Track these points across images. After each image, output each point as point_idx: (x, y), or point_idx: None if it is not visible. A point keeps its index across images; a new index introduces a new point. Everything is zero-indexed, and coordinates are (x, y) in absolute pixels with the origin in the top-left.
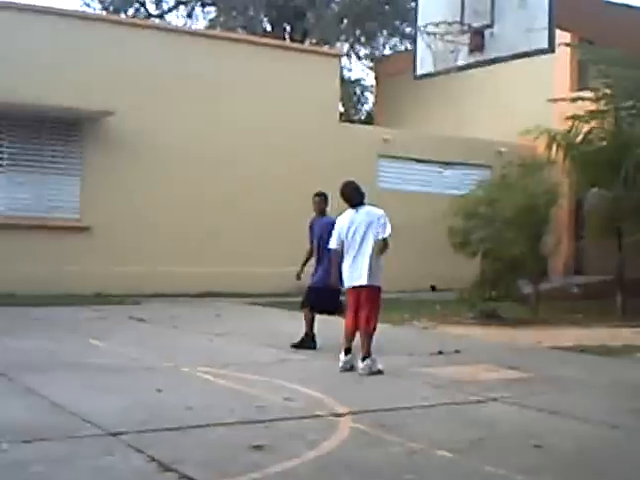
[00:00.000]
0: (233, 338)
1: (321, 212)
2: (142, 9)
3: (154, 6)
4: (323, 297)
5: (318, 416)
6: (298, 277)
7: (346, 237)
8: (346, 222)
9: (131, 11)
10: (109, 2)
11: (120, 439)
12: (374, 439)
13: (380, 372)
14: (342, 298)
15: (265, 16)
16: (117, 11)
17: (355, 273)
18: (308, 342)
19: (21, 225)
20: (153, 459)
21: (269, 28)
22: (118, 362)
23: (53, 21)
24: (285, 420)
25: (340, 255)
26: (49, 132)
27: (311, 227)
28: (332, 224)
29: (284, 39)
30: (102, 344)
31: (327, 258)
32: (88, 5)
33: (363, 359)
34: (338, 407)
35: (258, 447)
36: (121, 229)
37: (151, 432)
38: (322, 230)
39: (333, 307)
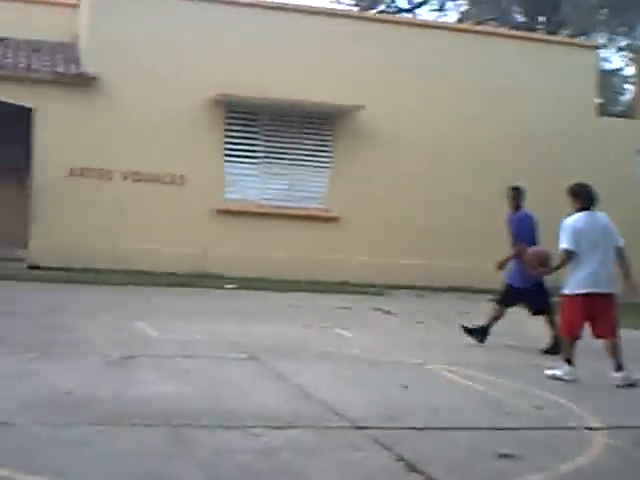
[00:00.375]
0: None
1: (517, 207)
2: (393, 4)
3: (405, 1)
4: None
5: (570, 428)
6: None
7: (585, 240)
8: (584, 225)
9: (382, 7)
10: None
11: (366, 433)
12: (632, 459)
13: (636, 384)
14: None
15: (518, 8)
16: (369, 7)
17: (596, 278)
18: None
19: (273, 214)
20: (400, 457)
21: (522, 20)
22: (366, 354)
23: (304, 20)
24: (535, 430)
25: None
26: (301, 126)
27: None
28: (528, 219)
29: (536, 31)
30: (349, 334)
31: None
32: (340, 2)
33: (618, 369)
34: (591, 419)
35: (506, 455)
36: (367, 220)
37: (397, 429)
38: (519, 225)
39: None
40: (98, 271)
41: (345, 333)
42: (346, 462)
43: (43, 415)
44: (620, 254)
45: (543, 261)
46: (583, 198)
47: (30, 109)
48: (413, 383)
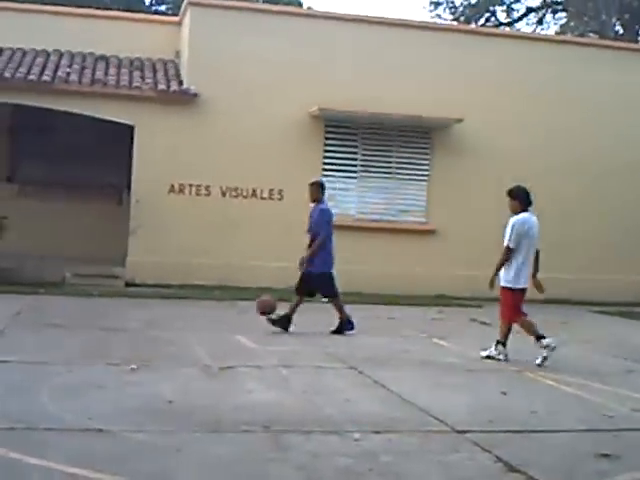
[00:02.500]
0: (577, 345)
1: None
2: (492, 18)
3: (505, 14)
4: None
5: None
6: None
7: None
8: (529, 225)
9: (482, 20)
10: (460, 13)
11: (466, 437)
12: None
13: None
14: None
15: (617, 19)
16: (468, 21)
17: (527, 275)
18: None
19: (371, 227)
20: (499, 459)
21: (621, 31)
22: (464, 363)
23: (401, 34)
24: (634, 431)
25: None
26: (399, 140)
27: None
28: None
29: (637, 42)
30: (447, 344)
31: None
32: (439, 16)
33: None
34: None
35: (605, 455)
36: (465, 233)
37: (496, 433)
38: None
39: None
40: (195, 287)
41: (442, 343)
42: (446, 464)
43: (142, 423)
44: (537, 256)
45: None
46: (523, 200)
47: (131, 126)
48: (511, 389)
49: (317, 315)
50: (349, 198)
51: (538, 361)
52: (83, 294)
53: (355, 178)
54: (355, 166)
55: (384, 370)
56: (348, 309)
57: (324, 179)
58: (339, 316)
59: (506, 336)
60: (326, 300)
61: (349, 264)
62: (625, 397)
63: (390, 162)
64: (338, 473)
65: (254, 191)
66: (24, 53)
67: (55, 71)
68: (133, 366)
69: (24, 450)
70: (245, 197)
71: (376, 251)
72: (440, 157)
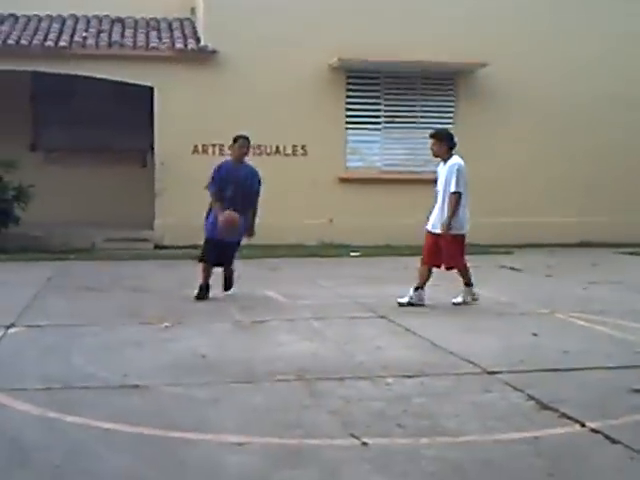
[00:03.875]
0: (609, 286)
1: None
2: None
3: None
4: None
5: None
6: None
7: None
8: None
9: None
10: None
11: (497, 378)
12: None
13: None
14: None
15: None
16: None
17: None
18: None
19: (396, 180)
20: (531, 397)
21: None
22: (494, 307)
23: None
24: None
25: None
26: (423, 88)
27: None
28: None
29: None
30: (476, 290)
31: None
32: None
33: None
34: None
35: (638, 391)
36: (491, 180)
37: (528, 372)
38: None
39: None
40: None
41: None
42: (479, 404)
43: (178, 377)
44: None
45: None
46: (451, 141)
47: (151, 88)
48: (542, 330)
49: (349, 270)
50: (374, 150)
51: (458, 299)
52: (113, 258)
53: (379, 130)
54: (379, 117)
55: (414, 318)
56: (378, 261)
57: (348, 132)
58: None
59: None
60: None
61: (376, 217)
62: None
63: (414, 112)
64: (372, 416)
65: (277, 148)
66: (40, 19)
67: (72, 36)
68: (167, 324)
69: (61, 409)
70: (269, 154)
71: (402, 203)
72: (465, 104)
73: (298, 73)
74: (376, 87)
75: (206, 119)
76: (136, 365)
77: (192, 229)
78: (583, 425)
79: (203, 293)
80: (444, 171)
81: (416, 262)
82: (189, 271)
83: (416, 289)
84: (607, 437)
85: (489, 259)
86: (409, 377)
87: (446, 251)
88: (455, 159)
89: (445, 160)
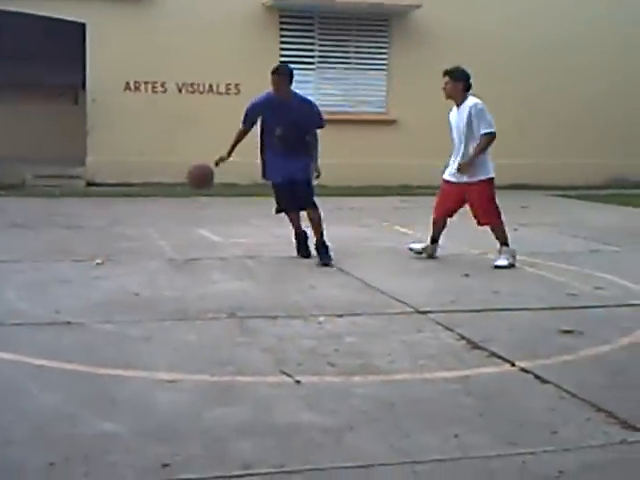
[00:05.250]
0: (539, 228)
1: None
2: None
3: None
4: None
5: (631, 305)
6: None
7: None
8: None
9: None
10: None
11: (428, 317)
12: None
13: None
14: None
15: None
16: None
17: None
18: None
19: (331, 120)
20: (462, 337)
21: None
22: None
23: None
24: (596, 308)
25: None
26: (357, 29)
27: None
28: None
29: None
30: (410, 231)
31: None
32: None
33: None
34: None
35: (568, 332)
36: (426, 122)
37: (459, 312)
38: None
39: None
40: (156, 185)
41: (405, 230)
42: (410, 343)
43: (110, 315)
44: None
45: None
46: (467, 81)
47: (83, 24)
48: (474, 271)
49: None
50: (307, 90)
51: (502, 262)
52: (44, 195)
53: (313, 70)
54: (313, 57)
55: (347, 258)
56: None
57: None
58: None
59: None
60: None
61: None
62: (588, 276)
63: (348, 52)
64: (304, 354)
65: (210, 86)
66: None
67: None
68: (98, 261)
69: None
70: (202, 93)
71: (336, 143)
72: (399, 46)
73: (232, 11)
74: (310, 27)
75: (139, 56)
76: (68, 302)
77: (124, 166)
78: (513, 365)
79: (301, 246)
80: (462, 115)
81: (348, 202)
82: (121, 209)
83: (432, 241)
84: (537, 377)
85: (424, 200)
86: (341, 316)
87: (478, 204)
88: (473, 99)
89: (459, 104)
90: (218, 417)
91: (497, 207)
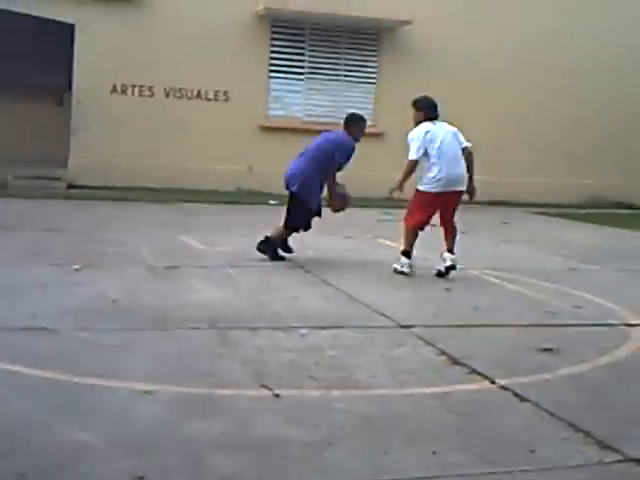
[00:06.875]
0: (520, 245)
1: None
2: None
3: None
4: None
5: (610, 325)
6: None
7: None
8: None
9: None
10: None
11: (410, 332)
12: None
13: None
14: None
15: None
16: None
17: None
18: None
19: (318, 130)
20: (443, 352)
21: None
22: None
23: None
24: (575, 327)
25: None
26: (347, 41)
27: None
28: None
29: None
30: (393, 244)
31: None
32: None
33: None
34: (630, 317)
35: (547, 350)
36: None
37: (440, 327)
38: None
39: None
40: (139, 190)
41: (389, 243)
42: (391, 357)
43: (87, 322)
44: None
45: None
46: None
47: (71, 25)
48: (455, 286)
49: (267, 218)
50: (296, 100)
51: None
52: (25, 196)
53: (302, 80)
54: (302, 67)
55: (331, 269)
56: None
57: (271, 81)
58: None
59: None
60: None
61: None
62: (567, 294)
63: (338, 64)
64: (285, 367)
65: (199, 92)
66: None
67: None
68: (77, 266)
69: None
70: (189, 98)
71: None
72: (388, 60)
73: (223, 18)
74: (301, 37)
75: (127, 59)
76: (45, 307)
77: (107, 169)
78: (493, 382)
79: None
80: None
81: (331, 213)
82: (103, 213)
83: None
84: (516, 395)
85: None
86: (323, 328)
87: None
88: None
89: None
90: (196, 430)
91: (415, 214)
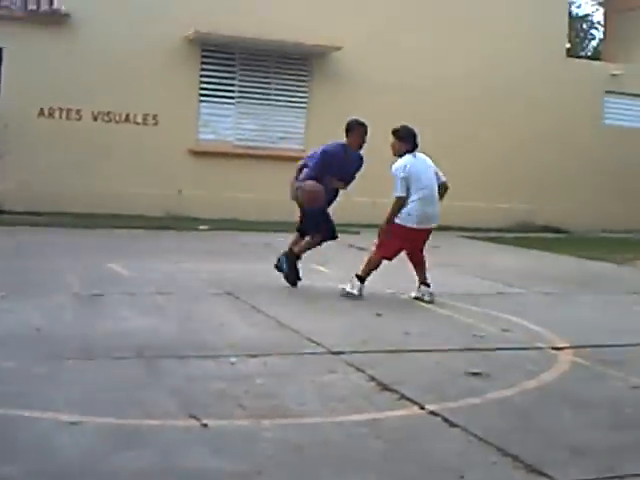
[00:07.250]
0: (449, 269)
1: None
2: None
3: None
4: None
5: (537, 348)
6: None
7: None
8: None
9: None
10: None
11: (340, 358)
12: (594, 373)
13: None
14: None
15: None
16: None
17: None
18: None
19: (249, 155)
20: (372, 378)
21: None
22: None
23: None
24: (503, 350)
25: None
26: (278, 66)
27: None
28: None
29: None
30: (324, 270)
31: None
32: None
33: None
34: (557, 340)
35: (476, 374)
36: None
37: (370, 353)
38: None
39: None
40: (66, 215)
41: (320, 268)
42: (321, 384)
43: (9, 351)
44: None
45: None
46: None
47: (0, 49)
48: (386, 310)
49: (196, 244)
50: (226, 124)
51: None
52: None
53: (233, 104)
54: (233, 92)
55: (261, 295)
56: (227, 235)
57: (201, 105)
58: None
59: None
60: None
61: (226, 191)
62: (495, 318)
63: (269, 89)
64: (213, 397)
65: (127, 116)
66: None
67: None
68: (1, 294)
69: None
70: (118, 122)
71: (254, 178)
72: (319, 85)
73: (153, 42)
74: (231, 62)
75: (55, 83)
76: None
77: (34, 195)
78: (422, 407)
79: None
80: (423, 166)
81: (263, 238)
82: (28, 239)
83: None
84: (445, 420)
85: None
86: (253, 356)
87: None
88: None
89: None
90: (122, 461)
91: (386, 246)
